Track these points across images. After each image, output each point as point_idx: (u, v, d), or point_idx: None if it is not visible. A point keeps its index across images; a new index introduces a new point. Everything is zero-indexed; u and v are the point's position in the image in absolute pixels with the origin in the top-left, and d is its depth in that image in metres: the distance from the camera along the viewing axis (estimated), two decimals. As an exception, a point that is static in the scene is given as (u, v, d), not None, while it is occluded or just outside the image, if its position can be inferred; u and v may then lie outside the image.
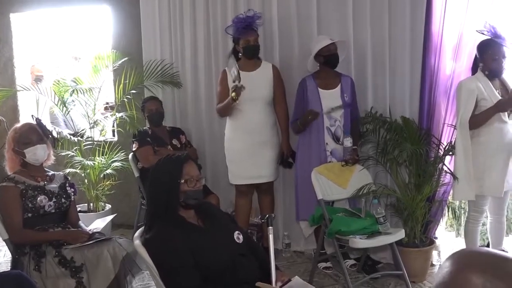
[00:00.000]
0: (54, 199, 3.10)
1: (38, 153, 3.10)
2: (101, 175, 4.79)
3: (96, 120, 4.82)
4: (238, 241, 2.49)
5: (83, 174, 4.72)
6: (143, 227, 2.50)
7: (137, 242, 2.44)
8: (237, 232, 2.51)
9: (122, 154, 4.83)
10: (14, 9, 5.51)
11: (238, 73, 3.80)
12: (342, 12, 4.09)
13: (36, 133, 3.14)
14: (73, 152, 4.72)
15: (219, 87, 4.19)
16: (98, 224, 3.33)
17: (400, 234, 3.55)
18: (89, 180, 4.74)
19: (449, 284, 1.03)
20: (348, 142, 3.82)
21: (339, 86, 3.91)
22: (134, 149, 4.45)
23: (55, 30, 5.73)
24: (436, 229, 4.06)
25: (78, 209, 4.81)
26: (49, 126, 5.23)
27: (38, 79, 5.85)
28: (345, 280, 3.50)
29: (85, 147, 4.81)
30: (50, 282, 2.88)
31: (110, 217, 3.38)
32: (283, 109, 4.17)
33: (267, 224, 2.54)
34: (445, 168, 3.79)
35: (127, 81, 4.68)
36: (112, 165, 4.79)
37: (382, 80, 4.04)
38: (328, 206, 3.79)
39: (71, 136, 4.74)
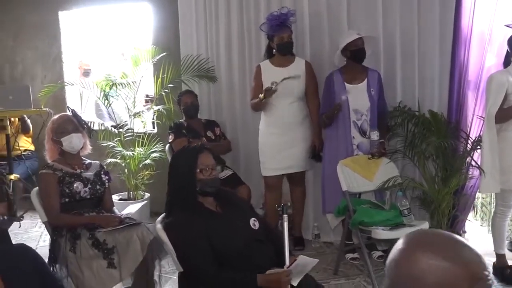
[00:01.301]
0: (89, 186, 3.30)
1: (74, 142, 3.31)
2: (140, 165, 5.02)
3: (136, 113, 5.05)
4: (254, 228, 2.61)
5: (123, 164, 4.96)
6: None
7: (158, 226, 2.61)
8: (253, 219, 2.63)
9: (161, 145, 5.04)
10: (62, 7, 5.83)
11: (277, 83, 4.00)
12: (371, 6, 4.13)
13: (72, 123, 3.35)
14: (114, 143, 4.96)
15: (253, 82, 4.33)
16: (131, 209, 3.52)
17: (424, 227, 3.57)
18: (129, 170, 4.98)
19: (398, 260, 1.13)
20: (374, 135, 3.87)
21: (365, 81, 3.96)
22: (170, 141, 4.64)
23: (101, 27, 6.01)
24: (464, 223, 4.06)
25: (119, 197, 5.11)
26: (95, 118, 5.53)
27: (86, 73, 6.17)
28: (368, 270, 3.57)
29: (126, 139, 5.05)
30: (84, 263, 3.08)
31: (141, 203, 3.56)
32: (315, 104, 4.25)
33: (282, 212, 2.66)
34: (473, 162, 3.78)
35: (165, 75, 4.88)
36: (151, 155, 5.01)
37: (411, 74, 4.07)
38: (354, 198, 3.86)
39: (112, 128, 4.98)
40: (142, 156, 4.99)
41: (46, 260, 3.28)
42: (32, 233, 5.03)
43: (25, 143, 5.63)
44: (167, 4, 5.19)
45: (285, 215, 2.64)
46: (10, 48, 6.32)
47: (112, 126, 5.21)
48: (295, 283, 2.43)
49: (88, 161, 3.48)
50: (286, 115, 4.22)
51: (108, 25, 5.94)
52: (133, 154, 4.94)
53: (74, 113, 3.45)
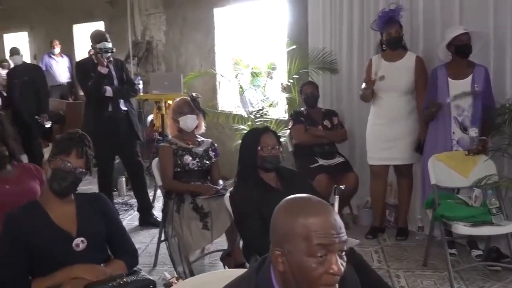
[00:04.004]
0: (197, 159, 3.90)
1: (188, 121, 3.95)
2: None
3: (267, 99, 5.58)
4: (307, 206, 2.93)
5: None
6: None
7: (226, 194, 3.09)
8: (308, 197, 2.96)
9: (287, 131, 5.48)
10: (217, 5, 6.62)
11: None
12: (483, 1, 4.05)
13: (189, 106, 3.99)
14: (245, 126, 5.55)
15: (365, 74, 4.56)
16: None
17: (510, 228, 3.50)
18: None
19: (273, 214, 1.48)
20: (473, 132, 3.85)
21: (470, 76, 3.93)
22: (289, 127, 5.07)
23: (247, 22, 6.66)
24: None
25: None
26: (239, 104, 6.19)
27: (236, 64, 6.89)
28: (447, 266, 3.60)
29: (257, 123, 5.59)
30: (185, 222, 3.67)
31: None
32: (423, 98, 4.31)
33: (334, 193, 2.95)
34: None
35: (292, 66, 5.31)
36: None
37: (522, 71, 3.92)
38: (445, 192, 3.88)
39: (244, 113, 5.59)
40: (267, 139, 5.49)
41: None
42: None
43: (179, 123, 6.53)
44: (300, 2, 5.62)
45: (336, 196, 2.94)
46: (178, 41, 7.35)
47: (248, 112, 5.81)
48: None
49: (201, 138, 4.08)
50: (392, 108, 4.38)
51: (252, 20, 6.55)
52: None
53: (192, 97, 4.08)
